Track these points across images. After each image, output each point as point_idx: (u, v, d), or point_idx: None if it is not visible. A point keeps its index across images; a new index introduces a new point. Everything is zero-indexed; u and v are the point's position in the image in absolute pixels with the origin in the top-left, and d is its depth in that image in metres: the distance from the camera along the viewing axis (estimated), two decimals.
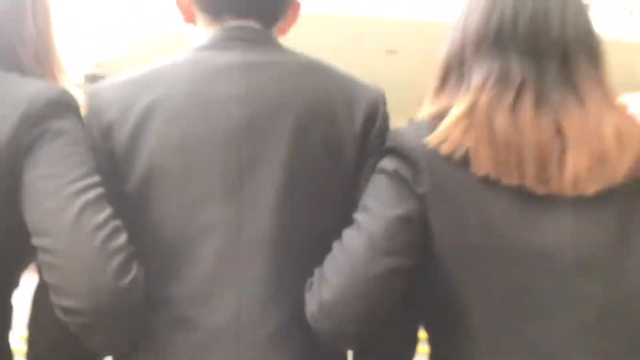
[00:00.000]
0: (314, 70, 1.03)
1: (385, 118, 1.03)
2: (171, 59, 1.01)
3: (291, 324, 0.85)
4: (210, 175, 0.87)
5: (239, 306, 0.83)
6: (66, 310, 0.77)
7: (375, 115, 1.00)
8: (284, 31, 1.18)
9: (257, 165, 0.88)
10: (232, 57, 0.95)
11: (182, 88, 0.91)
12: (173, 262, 0.87)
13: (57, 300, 0.78)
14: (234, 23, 1.00)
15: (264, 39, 1.04)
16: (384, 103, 1.05)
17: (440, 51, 1.07)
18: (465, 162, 0.83)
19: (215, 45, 0.98)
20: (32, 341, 0.88)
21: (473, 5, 0.95)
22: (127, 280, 0.77)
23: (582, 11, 0.99)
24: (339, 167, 0.92)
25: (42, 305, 0.83)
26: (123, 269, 0.77)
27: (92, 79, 9.50)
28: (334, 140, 0.92)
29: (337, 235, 0.87)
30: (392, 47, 7.95)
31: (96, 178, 0.84)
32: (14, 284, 0.89)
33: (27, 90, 0.86)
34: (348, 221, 0.88)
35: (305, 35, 8.56)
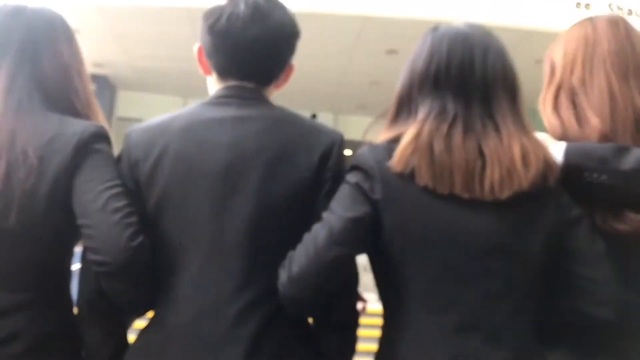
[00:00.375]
0: (287, 123, 1.34)
1: (340, 155, 1.31)
2: (183, 111, 1.35)
3: (257, 305, 1.19)
4: (202, 201, 1.23)
5: (219, 288, 1.20)
6: (98, 263, 1.18)
7: (329, 155, 1.29)
8: (278, 87, 1.46)
9: (236, 193, 1.22)
10: (227, 112, 1.30)
11: (187, 136, 1.27)
12: (174, 259, 1.24)
13: (92, 256, 1.20)
14: (234, 83, 1.35)
15: (255, 97, 1.35)
16: (339, 144, 1.32)
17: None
18: (411, 176, 1.13)
19: (216, 102, 1.33)
20: (81, 287, 1.27)
21: (418, 54, 1.27)
22: (135, 243, 1.17)
23: (501, 57, 1.26)
24: (298, 193, 1.25)
25: (85, 264, 1.25)
26: (133, 237, 1.18)
27: (91, 78, 9.54)
28: (294, 175, 1.25)
29: (296, 241, 1.18)
30: (392, 47, 7.96)
31: (118, 181, 1.25)
32: (71, 251, 1.35)
33: (79, 126, 1.29)
34: (305, 230, 1.19)
35: (306, 35, 8.44)
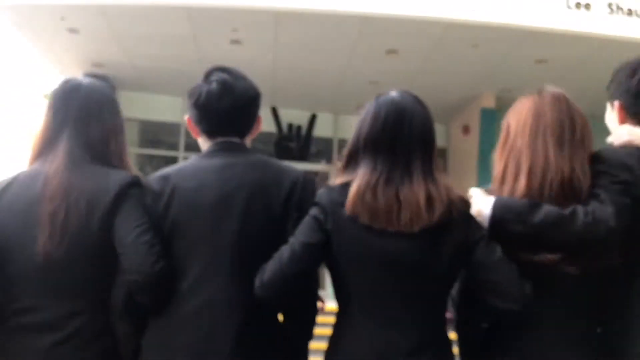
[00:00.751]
0: (261, 166, 1.76)
1: (304, 189, 1.74)
2: (186, 163, 1.84)
3: (241, 301, 1.63)
4: (201, 226, 1.68)
5: (213, 289, 1.63)
6: (130, 281, 1.61)
7: (294, 190, 1.72)
8: (253, 135, 1.91)
9: (224, 221, 1.67)
10: (217, 161, 1.75)
11: (188, 180, 1.72)
12: (182, 266, 1.67)
13: (127, 276, 1.62)
14: (220, 139, 1.80)
15: (237, 148, 1.81)
16: (302, 181, 1.75)
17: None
18: (354, 214, 1.56)
19: (208, 154, 1.79)
20: (117, 296, 1.67)
21: (363, 119, 1.68)
22: (157, 267, 1.60)
23: (423, 120, 1.68)
24: (271, 220, 1.70)
25: (121, 279, 1.66)
26: (156, 262, 1.60)
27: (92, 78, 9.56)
28: (268, 206, 1.70)
29: (269, 257, 1.60)
30: (391, 47, 7.97)
31: (145, 219, 1.66)
32: (112, 270, 1.67)
33: (117, 177, 1.71)
34: (276, 249, 1.60)
35: (306, 36, 8.44)
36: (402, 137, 1.62)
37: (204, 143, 1.85)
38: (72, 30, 7.57)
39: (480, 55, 8.10)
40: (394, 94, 1.69)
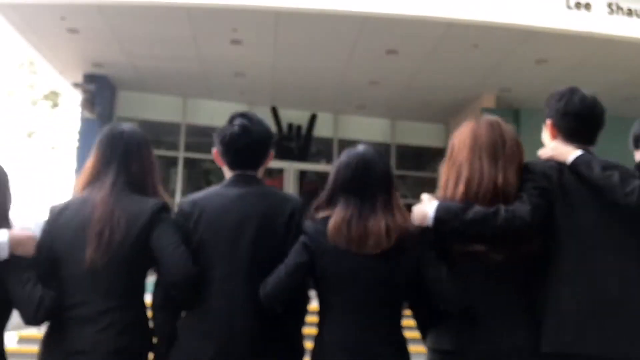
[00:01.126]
0: (269, 197, 2.24)
1: (299, 215, 2.18)
2: (211, 190, 2.29)
3: (253, 306, 2.07)
4: (222, 243, 2.12)
5: (232, 294, 2.08)
6: (170, 281, 2.07)
7: (293, 216, 2.17)
8: (265, 166, 2.34)
9: (240, 240, 2.12)
10: (235, 191, 2.21)
11: (213, 205, 2.18)
12: (208, 275, 2.10)
13: (168, 278, 2.08)
14: (239, 171, 2.25)
15: (251, 180, 2.26)
16: (299, 207, 2.21)
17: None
18: (333, 242, 2.04)
19: (229, 185, 2.25)
20: (155, 293, 2.15)
21: (337, 168, 2.17)
22: (194, 270, 2.05)
23: (383, 167, 2.17)
24: (276, 240, 2.14)
25: (159, 280, 2.14)
26: (192, 267, 2.05)
27: (91, 78, 9.62)
28: (274, 228, 2.15)
29: (274, 265, 2.07)
30: (391, 47, 7.98)
31: (179, 234, 2.11)
32: (145, 275, 2.20)
33: (151, 203, 2.16)
34: (280, 259, 2.08)
35: (306, 36, 8.47)
36: (368, 183, 2.11)
37: (226, 172, 2.32)
38: (72, 31, 7.57)
39: (480, 56, 8.11)
40: (360, 148, 2.21)
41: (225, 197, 2.19)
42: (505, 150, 2.12)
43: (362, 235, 2.02)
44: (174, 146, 10.37)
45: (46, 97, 20.71)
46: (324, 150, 11.11)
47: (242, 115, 2.27)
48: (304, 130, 10.85)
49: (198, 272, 2.07)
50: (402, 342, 2.10)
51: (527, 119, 10.77)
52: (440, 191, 2.18)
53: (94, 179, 2.19)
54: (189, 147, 10.33)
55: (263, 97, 10.36)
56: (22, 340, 6.06)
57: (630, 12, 7.18)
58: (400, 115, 11.05)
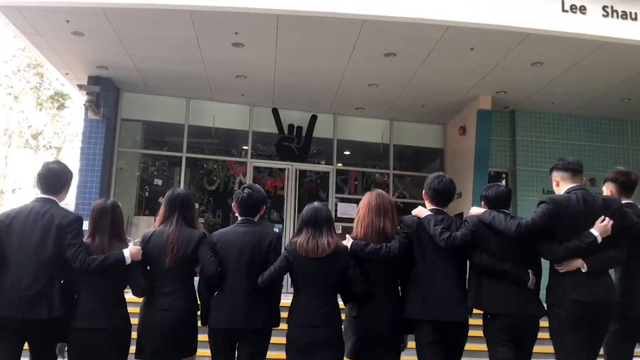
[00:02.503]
0: (260, 232, 3.74)
1: (275, 242, 3.73)
2: (228, 228, 3.89)
3: (248, 291, 3.62)
4: (232, 260, 3.66)
5: (238, 283, 3.64)
6: (206, 276, 3.69)
7: (272, 242, 3.70)
8: (260, 214, 3.90)
9: (242, 255, 3.65)
10: (241, 229, 3.78)
11: (227, 237, 3.74)
12: (224, 277, 3.67)
13: (204, 274, 3.69)
14: (244, 218, 3.83)
15: (251, 223, 3.81)
16: (275, 238, 3.74)
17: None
18: (299, 252, 3.59)
19: (238, 225, 3.82)
20: (200, 282, 3.77)
21: (302, 213, 3.81)
22: (218, 271, 3.64)
23: (327, 214, 3.73)
24: (261, 256, 3.66)
25: (202, 274, 3.76)
26: (216, 268, 3.64)
27: (95, 80, 9.72)
28: (261, 249, 3.67)
29: (262, 271, 3.63)
30: (390, 50, 8.05)
31: (211, 251, 3.68)
32: (194, 269, 3.81)
33: (197, 233, 3.74)
34: (265, 268, 3.64)
35: (306, 38, 8.56)
36: (318, 220, 3.64)
37: (239, 216, 3.84)
38: (77, 33, 7.68)
39: (477, 58, 8.21)
40: (316, 203, 3.76)
41: (235, 233, 3.75)
42: (386, 210, 3.79)
43: (314, 247, 3.53)
44: (177, 147, 10.45)
45: (51, 98, 20.78)
46: (324, 150, 11.18)
47: (249, 186, 3.87)
48: (304, 131, 10.93)
49: (221, 272, 3.61)
50: (338, 311, 3.56)
51: (522, 119, 10.90)
52: (353, 233, 3.80)
53: (165, 219, 3.74)
54: (191, 148, 10.40)
55: (264, 99, 10.46)
56: None
57: (625, 15, 7.20)
58: (399, 116, 11.10)
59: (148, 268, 3.67)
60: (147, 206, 10.49)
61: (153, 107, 10.40)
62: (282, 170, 10.81)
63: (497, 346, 3.59)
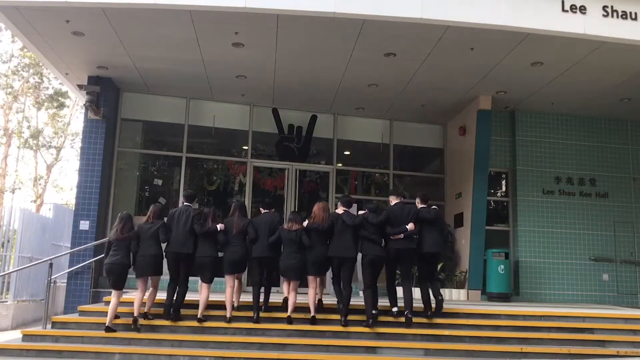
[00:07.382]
0: (273, 216, 7.26)
1: (278, 222, 7.23)
2: (259, 215, 7.60)
3: (267, 245, 7.05)
4: (261, 229, 7.06)
5: (263, 243, 7.01)
6: (250, 239, 7.12)
7: (279, 222, 7.24)
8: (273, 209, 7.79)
9: (264, 228, 7.07)
10: (263, 215, 7.39)
11: (257, 220, 7.22)
12: (257, 239, 7.21)
13: (249, 237, 7.11)
14: (266, 210, 7.54)
15: (269, 212, 7.51)
16: (278, 220, 7.25)
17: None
18: (286, 228, 7.22)
19: (263, 213, 7.43)
20: (248, 243, 7.30)
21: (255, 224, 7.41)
22: (256, 236, 7.08)
23: (297, 216, 7.25)
24: (273, 228, 7.08)
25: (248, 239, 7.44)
26: (254, 235, 7.11)
27: (95, 80, 9.73)
28: (273, 225, 7.11)
29: (272, 235, 7.24)
30: (390, 50, 8.06)
31: (253, 227, 7.13)
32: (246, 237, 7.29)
33: (245, 219, 7.26)
34: (273, 234, 7.29)
35: (306, 38, 8.53)
36: (294, 216, 7.17)
37: (262, 209, 7.44)
38: (77, 33, 7.69)
39: (477, 58, 8.23)
40: (291, 215, 7.28)
41: (261, 217, 7.10)
42: (325, 209, 6.99)
43: (291, 225, 6.81)
44: (177, 147, 10.45)
45: (51, 98, 20.80)
46: (324, 150, 11.19)
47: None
48: (304, 131, 10.94)
49: (257, 236, 6.86)
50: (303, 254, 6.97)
51: (522, 119, 10.92)
52: (310, 220, 6.92)
53: (232, 213, 7.13)
54: (191, 148, 10.41)
55: (264, 99, 10.48)
56: (26, 337, 6.18)
57: (625, 15, 7.20)
58: (399, 116, 11.13)
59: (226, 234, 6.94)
60: (147, 206, 10.41)
61: (153, 107, 10.41)
62: (282, 170, 10.81)
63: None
